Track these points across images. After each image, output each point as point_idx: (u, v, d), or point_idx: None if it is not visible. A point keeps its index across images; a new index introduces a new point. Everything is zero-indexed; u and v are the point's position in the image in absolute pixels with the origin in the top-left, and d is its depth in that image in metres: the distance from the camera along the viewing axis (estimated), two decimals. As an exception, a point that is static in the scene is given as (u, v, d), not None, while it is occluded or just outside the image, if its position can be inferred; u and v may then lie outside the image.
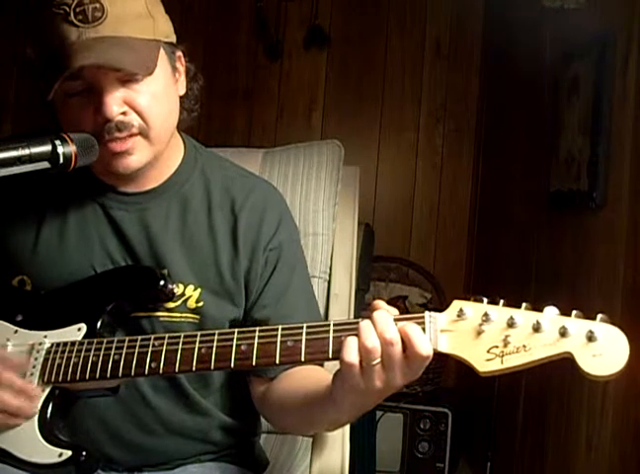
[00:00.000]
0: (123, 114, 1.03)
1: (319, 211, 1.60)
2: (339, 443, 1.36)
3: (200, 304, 1.11)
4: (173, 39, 1.11)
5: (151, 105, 1.05)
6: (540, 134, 2.25)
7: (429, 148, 3.21)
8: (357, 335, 0.84)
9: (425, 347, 0.83)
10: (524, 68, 2.53)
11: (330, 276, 1.62)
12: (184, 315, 1.11)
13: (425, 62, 3.21)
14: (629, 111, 1.58)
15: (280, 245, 1.18)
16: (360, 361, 0.84)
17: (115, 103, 1.01)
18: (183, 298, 1.11)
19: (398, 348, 0.83)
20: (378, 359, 0.83)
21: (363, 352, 0.83)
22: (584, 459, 1.70)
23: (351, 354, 0.84)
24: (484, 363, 0.82)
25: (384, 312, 0.85)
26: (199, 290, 1.11)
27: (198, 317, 1.11)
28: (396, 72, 3.21)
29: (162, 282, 1.07)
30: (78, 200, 1.14)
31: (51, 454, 0.98)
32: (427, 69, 3.20)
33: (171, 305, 1.10)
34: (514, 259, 2.49)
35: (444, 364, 2.89)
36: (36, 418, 1.00)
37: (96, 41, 0.99)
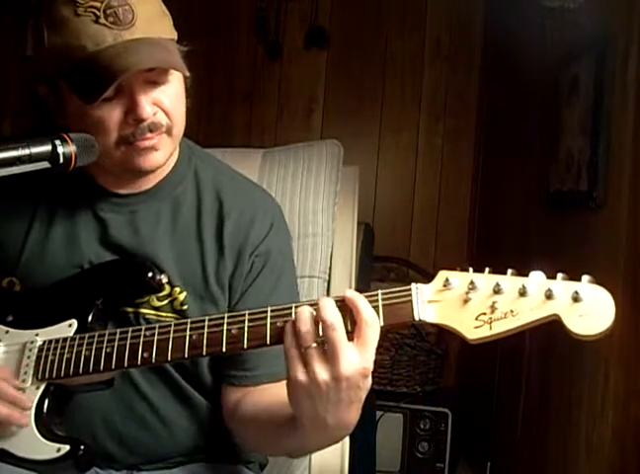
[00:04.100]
0: (154, 114, 1.04)
1: (318, 211, 1.60)
2: (339, 443, 1.36)
3: (185, 307, 1.12)
4: (176, 36, 1.12)
5: (175, 104, 1.07)
6: (540, 134, 2.25)
7: (429, 148, 3.21)
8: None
9: (369, 313, 0.84)
10: (524, 68, 2.53)
11: (330, 276, 1.62)
12: (169, 315, 1.11)
13: (425, 62, 3.21)
14: (629, 111, 1.58)
15: (267, 252, 1.17)
16: (300, 352, 0.84)
17: (148, 103, 1.03)
18: (169, 299, 1.12)
19: (340, 332, 0.83)
20: (313, 344, 0.84)
21: (298, 335, 0.84)
22: (584, 459, 1.70)
23: (286, 338, 0.86)
24: (473, 331, 0.82)
25: (329, 298, 0.86)
26: (184, 293, 1.12)
27: (181, 319, 1.11)
28: (396, 72, 3.21)
29: (150, 274, 1.08)
30: (69, 202, 1.14)
31: (50, 450, 0.99)
32: (427, 69, 3.21)
33: (158, 304, 1.11)
34: (513, 259, 2.49)
35: (444, 364, 2.90)
36: (32, 415, 1.00)
37: (134, 43, 1.00)
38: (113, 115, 1.02)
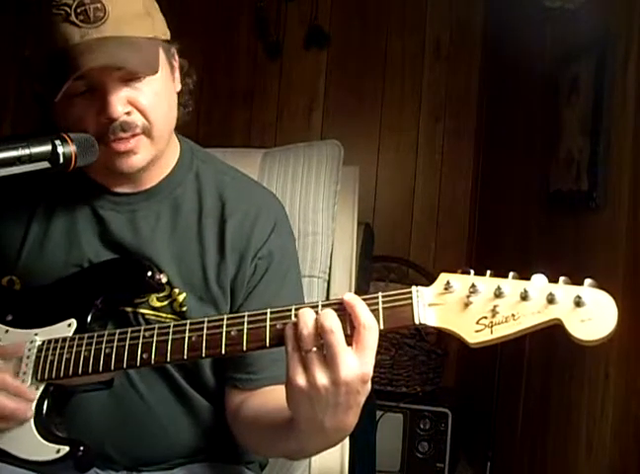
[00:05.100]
0: (127, 113, 1.03)
1: (319, 211, 1.60)
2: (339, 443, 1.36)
3: (184, 309, 1.11)
4: (168, 36, 1.12)
5: (154, 103, 1.05)
6: (540, 134, 2.25)
7: (429, 148, 3.21)
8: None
9: (367, 318, 0.83)
10: (524, 68, 2.53)
11: (329, 275, 1.62)
12: (169, 316, 1.11)
13: (425, 62, 3.21)
14: (629, 111, 1.58)
15: (270, 253, 1.16)
16: (301, 355, 0.84)
17: (119, 103, 1.01)
18: (169, 300, 1.11)
19: (338, 336, 0.82)
20: (314, 348, 0.83)
21: (299, 339, 0.83)
22: (584, 459, 1.70)
23: (288, 341, 0.85)
24: (474, 335, 0.81)
25: (329, 310, 0.85)
26: (183, 295, 1.11)
27: (180, 321, 1.11)
28: (396, 72, 3.21)
29: (150, 273, 1.08)
30: (68, 200, 1.14)
31: (49, 451, 0.99)
32: (427, 69, 3.21)
33: (157, 304, 1.11)
34: (513, 259, 2.48)
35: (444, 364, 2.90)
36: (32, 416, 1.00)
37: (100, 42, 0.99)
38: (87, 113, 1.02)
